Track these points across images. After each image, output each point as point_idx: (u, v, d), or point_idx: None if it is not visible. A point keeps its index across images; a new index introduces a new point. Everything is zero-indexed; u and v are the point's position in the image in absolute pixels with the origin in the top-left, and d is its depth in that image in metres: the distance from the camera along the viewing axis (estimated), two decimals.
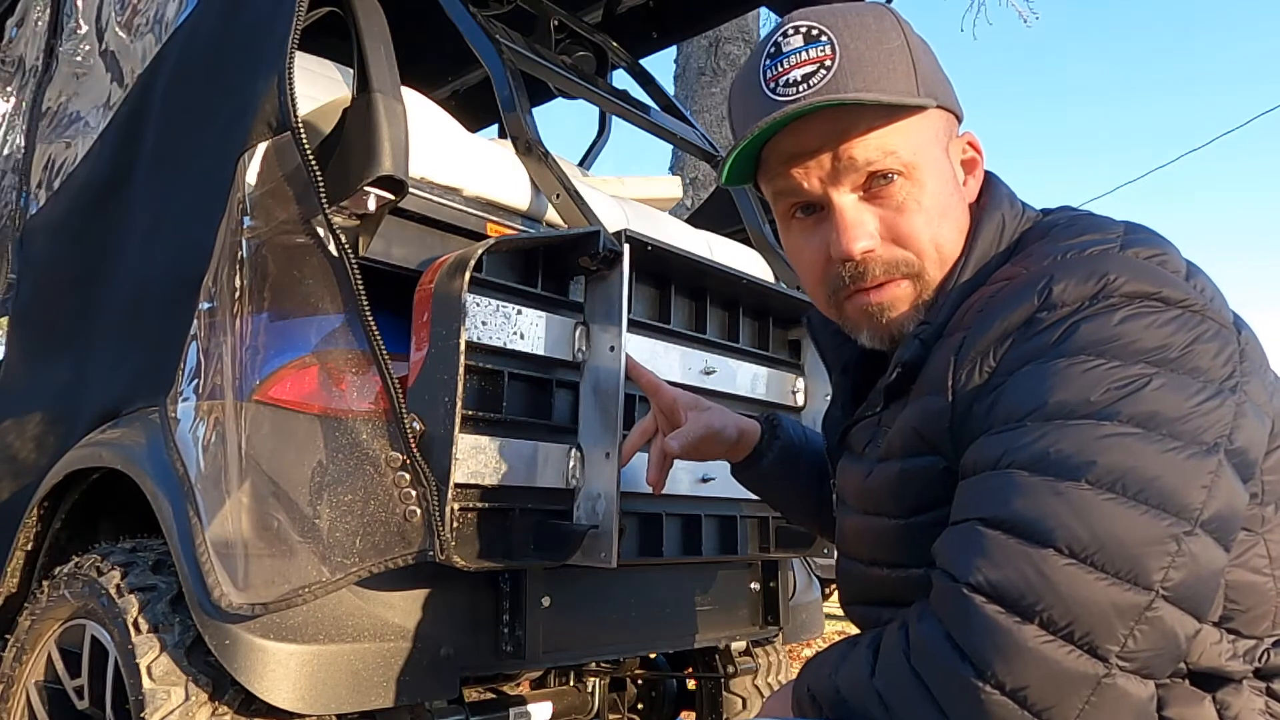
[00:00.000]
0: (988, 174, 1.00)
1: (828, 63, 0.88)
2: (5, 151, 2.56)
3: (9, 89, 2.61)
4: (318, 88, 1.62)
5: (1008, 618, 0.71)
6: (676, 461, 1.64)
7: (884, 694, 0.78)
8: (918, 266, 0.92)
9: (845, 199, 0.92)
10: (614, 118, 3.09)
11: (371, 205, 1.42)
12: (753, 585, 2.04)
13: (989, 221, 0.94)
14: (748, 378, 1.84)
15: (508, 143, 1.76)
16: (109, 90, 2.00)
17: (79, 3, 2.26)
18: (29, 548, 1.85)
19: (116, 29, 2.02)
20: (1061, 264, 0.83)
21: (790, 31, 0.91)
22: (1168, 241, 0.86)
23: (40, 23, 2.46)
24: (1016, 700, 0.70)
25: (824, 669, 0.87)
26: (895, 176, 0.90)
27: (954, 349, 0.85)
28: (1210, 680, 0.81)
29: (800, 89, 0.88)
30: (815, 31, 0.90)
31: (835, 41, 0.89)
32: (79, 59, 2.18)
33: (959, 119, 0.97)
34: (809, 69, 0.88)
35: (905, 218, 0.91)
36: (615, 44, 2.68)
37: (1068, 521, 0.71)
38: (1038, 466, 0.74)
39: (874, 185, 0.91)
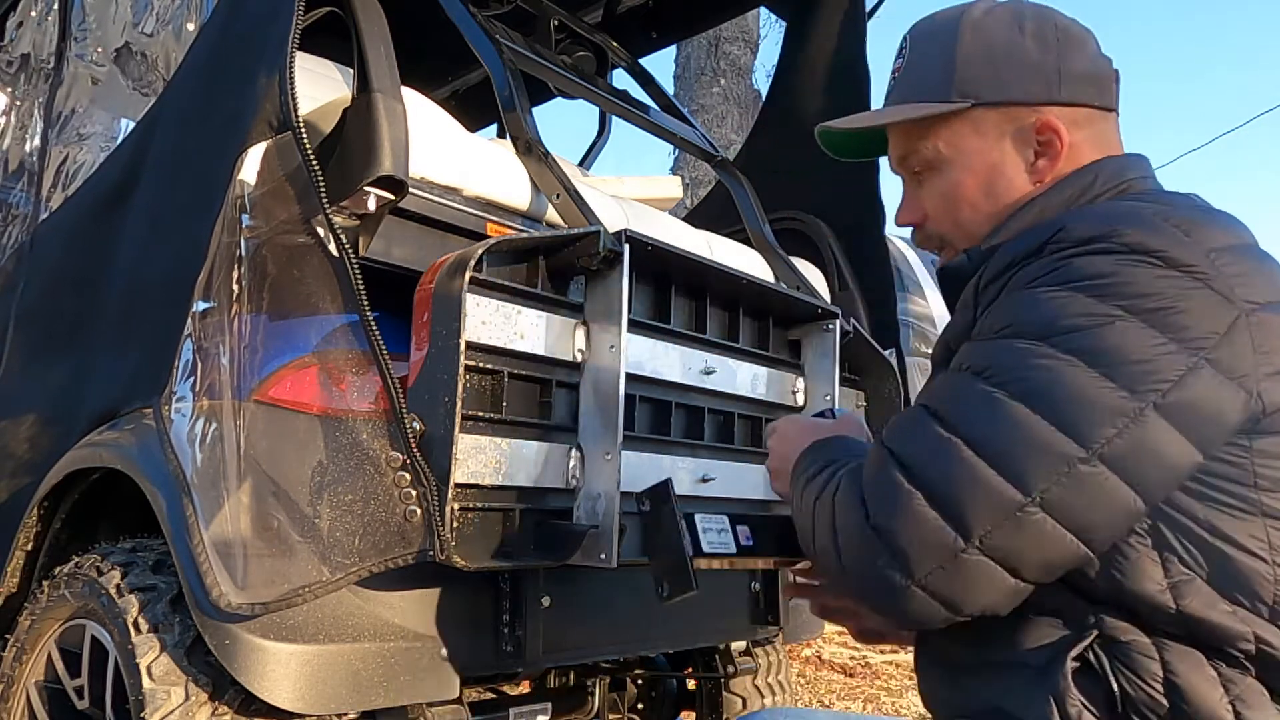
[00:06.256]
0: (1107, 160, 1.01)
1: (896, 76, 1.09)
2: (9, 152, 2.56)
3: (11, 89, 2.61)
4: (318, 88, 1.62)
5: (904, 481, 0.84)
6: (676, 461, 1.65)
7: (815, 514, 0.94)
8: (945, 240, 1.09)
9: (903, 181, 1.12)
10: (614, 118, 3.09)
11: (371, 205, 1.42)
12: (753, 585, 2.04)
13: (1036, 206, 1.00)
14: (748, 378, 1.84)
15: (508, 142, 1.76)
16: (127, 97, 2.00)
17: (88, 6, 2.26)
18: (29, 548, 1.85)
19: (135, 34, 2.02)
20: (1082, 212, 0.92)
21: (906, 37, 1.10)
22: (1226, 221, 0.88)
23: (45, 23, 2.46)
24: (884, 542, 0.84)
25: (811, 469, 1.00)
26: (923, 170, 1.07)
27: (981, 274, 0.96)
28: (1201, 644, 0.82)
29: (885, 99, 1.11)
30: (904, 42, 1.10)
31: (908, 55, 1.08)
32: (93, 64, 2.18)
33: (1038, 104, 1.01)
34: (890, 83, 1.10)
35: (931, 203, 1.08)
36: (615, 44, 2.68)
37: (983, 420, 0.82)
38: (982, 373, 0.85)
39: (920, 174, 1.08)
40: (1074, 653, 0.83)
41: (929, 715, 1.03)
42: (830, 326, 1.89)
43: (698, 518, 1.20)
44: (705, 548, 1.16)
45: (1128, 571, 0.82)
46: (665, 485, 1.17)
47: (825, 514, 0.92)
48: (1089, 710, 0.82)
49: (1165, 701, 0.80)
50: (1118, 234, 0.83)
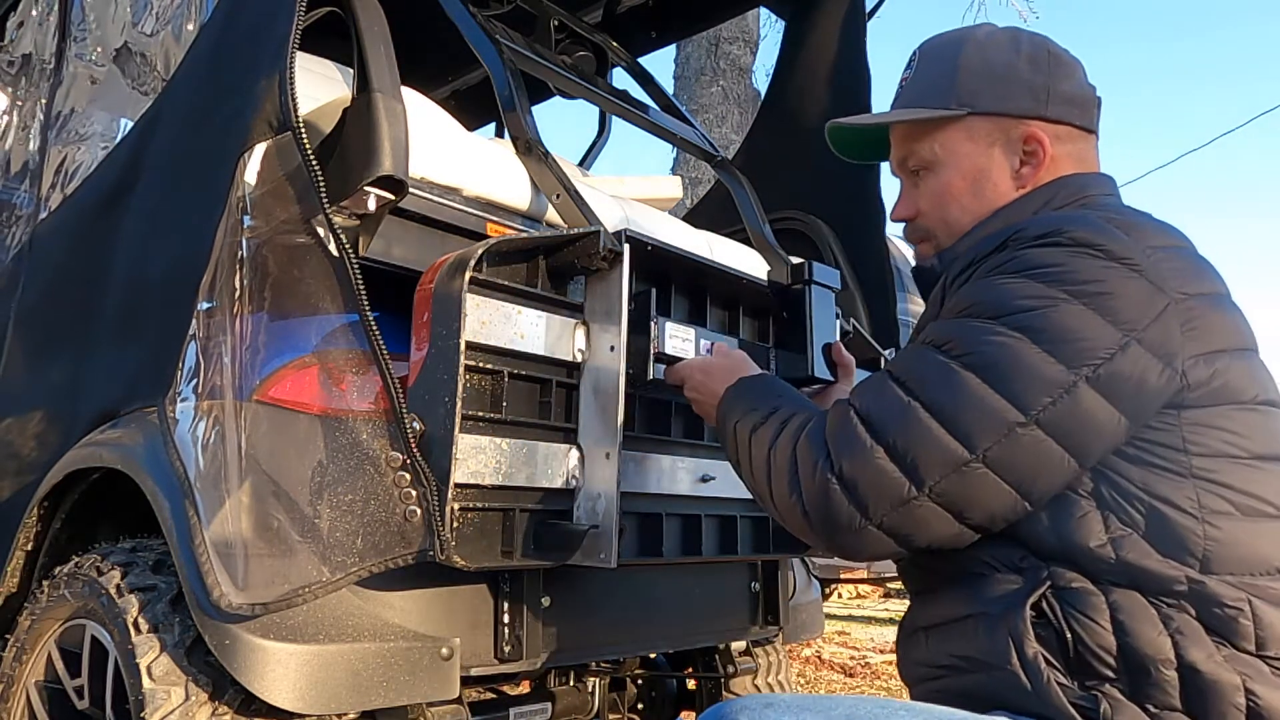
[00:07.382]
0: (1073, 176, 1.12)
1: (903, 85, 1.21)
2: (10, 153, 2.56)
3: (11, 89, 2.61)
4: (318, 88, 1.62)
5: (867, 435, 0.96)
6: (676, 461, 1.65)
7: (770, 462, 1.05)
8: (929, 234, 1.21)
9: (902, 180, 1.24)
10: (614, 118, 3.09)
11: (371, 205, 1.42)
12: (753, 585, 2.04)
13: (1001, 215, 1.12)
14: None
15: (508, 142, 1.76)
16: (127, 96, 2.00)
17: (88, 6, 2.25)
18: (29, 548, 1.85)
19: (135, 34, 2.02)
20: (1039, 217, 1.03)
21: (915, 52, 1.21)
22: (1167, 229, 1.01)
23: (46, 23, 2.46)
24: (846, 489, 0.96)
25: (748, 411, 1.13)
26: (920, 169, 1.19)
27: (948, 272, 1.07)
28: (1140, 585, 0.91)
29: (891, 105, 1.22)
30: (913, 56, 1.21)
31: (916, 66, 1.20)
32: (92, 64, 2.18)
33: (1026, 118, 1.13)
34: (897, 90, 1.22)
35: (924, 200, 1.19)
36: (615, 44, 2.68)
37: (939, 387, 0.94)
38: (942, 346, 0.97)
39: (916, 173, 1.20)
40: (1031, 600, 0.93)
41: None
42: None
43: (667, 325, 1.45)
44: (666, 349, 1.45)
45: (1073, 528, 0.93)
46: (648, 294, 1.45)
47: (784, 462, 1.03)
48: (1044, 654, 0.91)
49: (1113, 638, 0.90)
50: (1067, 231, 0.96)
